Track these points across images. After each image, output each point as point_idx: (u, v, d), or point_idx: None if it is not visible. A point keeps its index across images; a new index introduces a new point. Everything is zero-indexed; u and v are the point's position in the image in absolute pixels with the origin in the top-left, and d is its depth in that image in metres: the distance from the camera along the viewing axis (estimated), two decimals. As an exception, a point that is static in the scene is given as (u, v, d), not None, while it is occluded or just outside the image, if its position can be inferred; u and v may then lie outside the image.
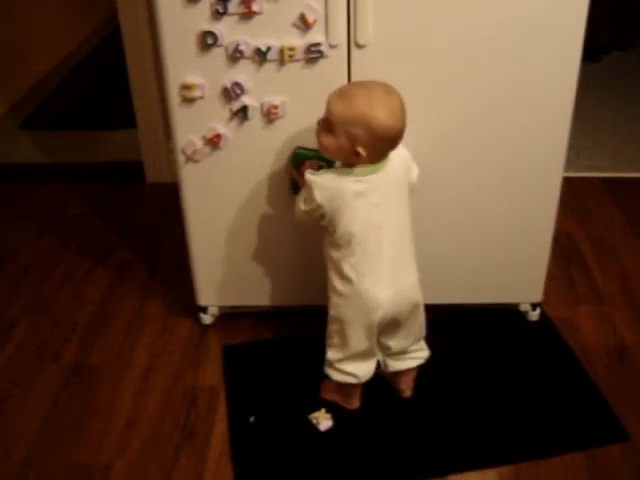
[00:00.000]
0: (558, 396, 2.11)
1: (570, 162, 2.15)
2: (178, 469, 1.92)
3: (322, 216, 1.82)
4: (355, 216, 1.78)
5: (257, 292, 2.30)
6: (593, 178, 3.23)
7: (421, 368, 2.09)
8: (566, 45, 1.90)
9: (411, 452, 1.95)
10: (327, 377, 2.01)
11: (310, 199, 1.81)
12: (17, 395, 2.17)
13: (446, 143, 2.04)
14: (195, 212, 2.15)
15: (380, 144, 1.74)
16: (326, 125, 1.75)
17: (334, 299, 1.89)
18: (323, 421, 2.02)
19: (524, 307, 2.37)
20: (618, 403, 2.07)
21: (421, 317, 1.99)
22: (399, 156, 1.84)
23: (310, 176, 1.80)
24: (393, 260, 1.85)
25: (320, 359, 1.99)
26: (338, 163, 1.85)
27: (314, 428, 2.01)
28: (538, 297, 2.33)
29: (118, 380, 2.21)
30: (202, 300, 2.34)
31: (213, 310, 2.37)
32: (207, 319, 2.38)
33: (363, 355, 1.94)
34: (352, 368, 1.96)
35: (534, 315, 2.37)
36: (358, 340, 1.90)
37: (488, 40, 1.89)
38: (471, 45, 1.89)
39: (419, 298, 1.94)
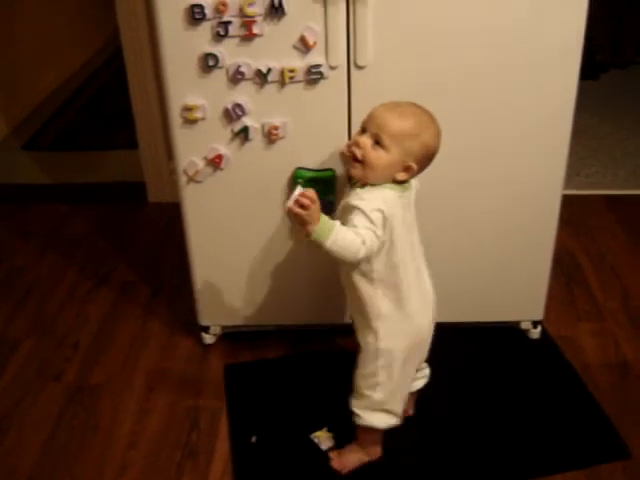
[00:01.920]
0: (560, 414, 2.11)
1: (570, 180, 2.17)
2: (180, 488, 1.93)
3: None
4: (401, 233, 1.74)
5: (259, 312, 2.30)
6: (593, 195, 3.24)
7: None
8: (564, 64, 1.92)
9: (412, 471, 1.95)
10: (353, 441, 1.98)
11: (382, 230, 1.68)
12: (20, 414, 2.18)
13: (446, 162, 2.04)
14: (197, 232, 2.16)
15: (426, 160, 1.74)
16: (375, 140, 1.68)
17: (382, 328, 1.80)
18: (325, 440, 2.02)
19: (525, 325, 2.37)
20: (620, 420, 2.07)
21: None
22: None
23: (361, 204, 1.68)
24: (423, 278, 1.86)
25: (322, 378, 1.99)
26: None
27: (316, 448, 2.01)
28: (539, 315, 2.33)
29: (120, 399, 2.21)
30: (204, 320, 2.35)
31: (215, 329, 2.38)
32: (209, 339, 2.39)
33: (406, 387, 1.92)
34: (400, 406, 1.91)
35: (535, 333, 2.37)
36: (409, 371, 1.88)
37: (487, 60, 1.90)
38: (470, 66, 1.91)
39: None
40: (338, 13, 1.82)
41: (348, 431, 2.00)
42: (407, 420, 2.06)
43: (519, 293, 2.29)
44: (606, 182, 3.34)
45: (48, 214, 3.27)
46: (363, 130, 1.71)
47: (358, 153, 1.69)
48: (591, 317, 2.50)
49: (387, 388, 1.84)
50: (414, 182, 1.82)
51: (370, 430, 1.91)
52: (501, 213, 2.15)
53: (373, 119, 1.70)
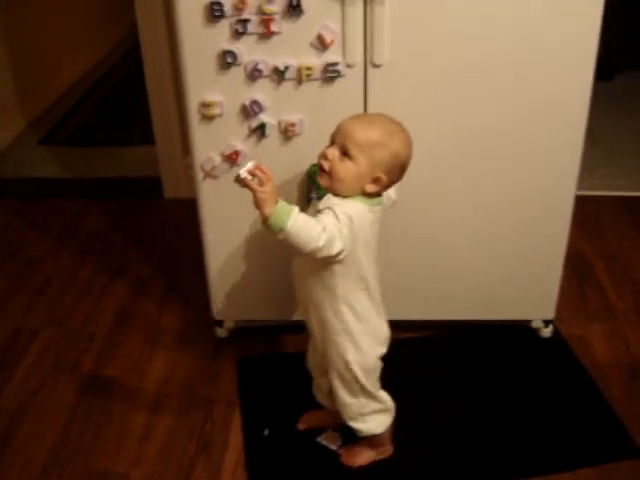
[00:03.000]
0: (570, 412, 2.12)
1: (583, 180, 2.18)
2: (194, 479, 1.95)
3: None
4: (368, 245, 1.71)
5: (273, 307, 2.33)
6: (607, 196, 3.25)
7: (433, 383, 2.11)
8: (579, 65, 1.93)
9: (423, 468, 1.97)
10: (355, 441, 1.98)
11: (347, 235, 1.62)
12: (36, 404, 2.21)
13: (460, 161, 2.07)
14: (212, 227, 2.18)
15: (397, 171, 1.68)
16: (342, 151, 1.64)
17: (347, 342, 1.77)
18: (332, 441, 2.04)
19: (536, 324, 2.38)
20: (630, 419, 2.08)
21: None
22: None
23: (337, 209, 1.63)
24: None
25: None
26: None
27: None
28: (550, 314, 2.35)
29: (134, 391, 2.24)
30: (218, 314, 2.37)
31: (229, 324, 2.40)
32: (223, 333, 2.41)
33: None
34: (390, 403, 1.92)
35: (546, 332, 2.39)
36: (378, 368, 1.87)
37: (502, 60, 1.92)
38: (486, 65, 1.93)
39: None
40: (355, 12, 1.84)
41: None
42: (418, 417, 2.09)
43: (531, 292, 2.30)
44: (619, 183, 3.34)
45: (64, 208, 3.30)
46: (332, 142, 1.67)
47: (325, 165, 1.65)
48: (602, 317, 2.51)
49: (372, 387, 1.85)
50: (388, 194, 1.79)
51: (376, 435, 1.93)
52: (514, 212, 2.16)
53: (340, 130, 1.65)
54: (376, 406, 1.88)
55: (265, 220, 1.57)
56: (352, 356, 1.78)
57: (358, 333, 1.77)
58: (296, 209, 1.58)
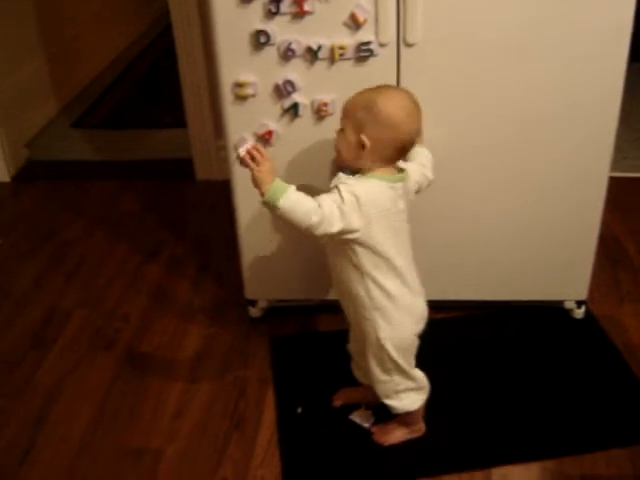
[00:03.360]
0: (602, 393, 2.12)
1: (616, 162, 2.16)
2: (227, 456, 1.98)
3: (355, 231, 1.68)
4: (392, 223, 1.72)
5: (306, 286, 2.34)
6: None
7: (467, 362, 2.11)
8: (613, 45, 1.91)
9: (456, 444, 1.98)
10: (390, 419, 1.99)
11: (351, 213, 1.65)
12: (72, 382, 2.25)
13: (495, 143, 2.06)
14: (245, 207, 2.19)
15: (386, 131, 1.66)
16: (340, 124, 1.73)
17: (379, 319, 1.78)
18: (365, 419, 2.05)
19: (569, 304, 2.38)
20: (663, 400, 2.08)
21: None
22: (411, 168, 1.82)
23: (341, 186, 1.66)
24: (414, 268, 1.83)
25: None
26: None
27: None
28: (583, 295, 2.34)
29: (169, 369, 2.28)
30: (251, 294, 2.39)
31: (262, 303, 2.42)
32: (256, 312, 2.43)
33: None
34: (424, 381, 1.92)
35: (579, 313, 2.38)
36: (414, 347, 1.87)
37: (536, 40, 1.91)
38: (520, 45, 1.91)
39: None
40: (389, -10, 1.83)
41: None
42: (450, 396, 2.09)
43: (564, 272, 2.29)
44: (653, 165, 3.31)
45: (98, 190, 3.34)
46: None
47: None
48: (635, 298, 2.49)
49: (406, 365, 1.85)
50: (414, 170, 1.82)
51: (409, 413, 1.94)
52: (548, 194, 2.15)
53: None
54: (410, 384, 1.89)
55: (262, 197, 1.66)
56: (384, 332, 1.79)
57: (389, 310, 1.78)
58: (291, 188, 1.66)
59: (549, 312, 2.39)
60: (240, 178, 2.13)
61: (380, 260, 1.73)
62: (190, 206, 3.18)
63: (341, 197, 1.64)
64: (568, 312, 2.39)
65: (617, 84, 1.97)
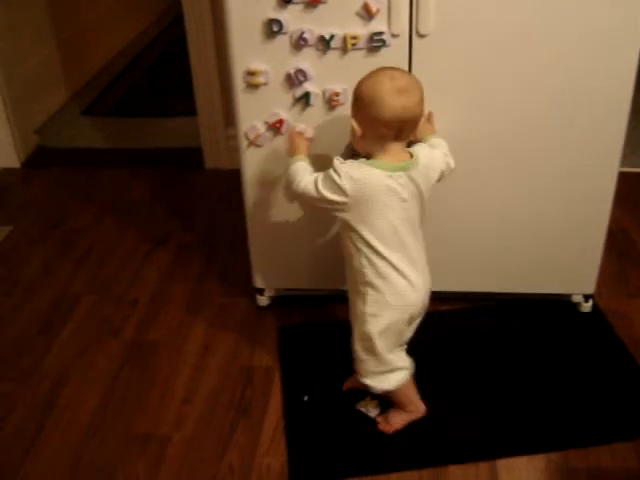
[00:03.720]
0: (608, 387, 2.12)
1: (626, 158, 2.16)
2: (233, 443, 1.99)
3: (340, 209, 1.79)
4: (386, 212, 1.76)
5: (313, 276, 2.35)
6: (649, 174, 3.22)
7: (473, 355, 2.12)
8: (624, 39, 1.91)
9: (461, 436, 1.99)
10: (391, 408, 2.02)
11: (338, 189, 1.75)
12: (80, 367, 2.26)
13: (503, 136, 2.06)
14: (254, 196, 2.20)
15: (367, 114, 1.72)
16: None
17: (368, 294, 1.83)
18: (372, 409, 2.06)
19: (576, 298, 2.38)
20: (669, 395, 2.08)
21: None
22: (428, 155, 1.85)
23: (340, 165, 1.76)
24: (417, 258, 1.85)
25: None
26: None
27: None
28: (591, 289, 2.34)
29: (176, 356, 2.28)
30: (258, 282, 2.40)
31: (269, 292, 2.43)
32: (263, 301, 2.44)
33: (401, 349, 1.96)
34: (403, 359, 1.95)
35: (586, 307, 2.38)
36: (399, 335, 1.90)
37: (548, 30, 1.90)
38: (531, 36, 1.91)
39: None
40: (402, -19, 1.84)
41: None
42: (455, 388, 2.10)
43: (572, 266, 2.29)
44: (663, 161, 3.30)
45: (108, 178, 3.35)
46: None
47: None
48: (643, 293, 2.50)
49: (383, 349, 1.88)
50: (438, 158, 1.87)
51: (393, 393, 1.96)
52: (557, 188, 2.15)
53: None
54: (382, 368, 1.91)
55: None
56: (370, 309, 1.84)
57: (380, 289, 1.81)
58: (299, 159, 1.90)
59: (556, 305, 2.39)
60: (249, 167, 2.14)
61: (376, 243, 1.78)
62: (199, 195, 3.19)
63: (334, 169, 1.75)
64: (575, 306, 2.39)
65: (628, 78, 1.96)
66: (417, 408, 2.01)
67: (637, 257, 2.67)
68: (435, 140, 1.94)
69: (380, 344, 1.86)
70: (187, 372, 2.22)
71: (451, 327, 2.32)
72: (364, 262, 1.81)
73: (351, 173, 1.74)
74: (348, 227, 1.81)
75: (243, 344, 2.32)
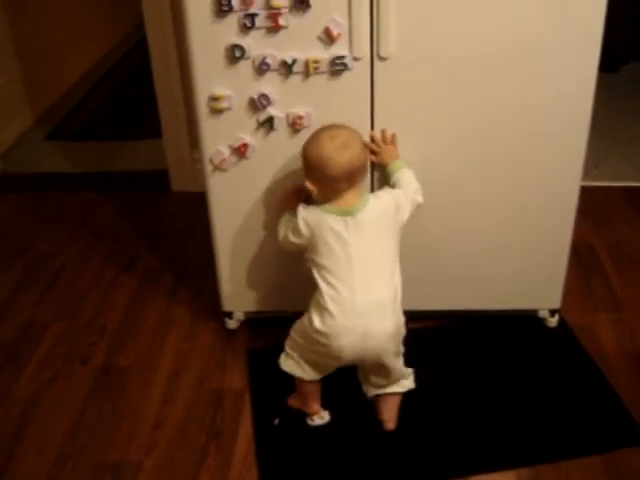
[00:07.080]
0: (577, 401, 2.14)
1: (588, 171, 2.19)
2: (205, 468, 1.98)
3: (305, 247, 1.97)
4: (327, 250, 1.89)
5: (282, 298, 2.35)
6: (611, 187, 3.26)
7: (442, 372, 2.13)
8: (583, 56, 1.94)
9: (434, 454, 2.00)
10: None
11: (297, 230, 1.95)
12: (49, 396, 2.24)
13: (465, 152, 2.09)
14: (221, 219, 2.20)
15: (317, 174, 1.87)
16: None
17: (312, 306, 1.95)
18: (316, 419, 2.09)
19: (543, 313, 2.40)
20: (635, 408, 2.10)
21: (396, 364, 2.02)
22: (383, 199, 1.95)
23: (299, 209, 1.95)
24: (364, 300, 1.88)
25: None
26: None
27: (335, 430, 2.07)
28: (556, 303, 2.36)
29: (146, 382, 2.27)
30: (227, 305, 2.40)
31: (238, 315, 2.43)
32: (232, 324, 2.44)
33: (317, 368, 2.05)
34: (301, 370, 2.05)
35: (553, 321, 2.41)
36: (317, 359, 2.00)
37: (506, 51, 1.93)
38: (490, 57, 1.94)
39: (389, 347, 1.94)
40: (362, 5, 1.86)
41: (370, 416, 2.06)
42: (424, 405, 2.11)
43: (537, 282, 2.32)
44: (624, 174, 3.35)
45: (73, 202, 3.32)
46: None
47: None
48: (608, 307, 2.52)
49: (300, 341, 2.00)
50: (405, 200, 1.97)
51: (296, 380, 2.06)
52: (519, 203, 2.18)
53: None
54: (292, 353, 2.05)
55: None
56: (317, 310, 1.92)
57: (319, 302, 1.91)
58: (287, 214, 2.03)
59: (523, 321, 2.41)
60: (215, 191, 2.14)
61: (321, 267, 1.92)
62: (166, 217, 3.19)
63: (295, 217, 1.96)
64: (542, 321, 2.42)
65: (588, 94, 2.00)
66: (310, 408, 2.09)
67: (602, 271, 2.70)
68: (402, 175, 2.02)
69: (294, 334, 2.03)
70: (157, 397, 2.21)
71: (420, 345, 2.32)
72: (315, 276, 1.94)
73: (305, 215, 1.93)
74: (309, 255, 1.96)
75: (213, 368, 2.31)
